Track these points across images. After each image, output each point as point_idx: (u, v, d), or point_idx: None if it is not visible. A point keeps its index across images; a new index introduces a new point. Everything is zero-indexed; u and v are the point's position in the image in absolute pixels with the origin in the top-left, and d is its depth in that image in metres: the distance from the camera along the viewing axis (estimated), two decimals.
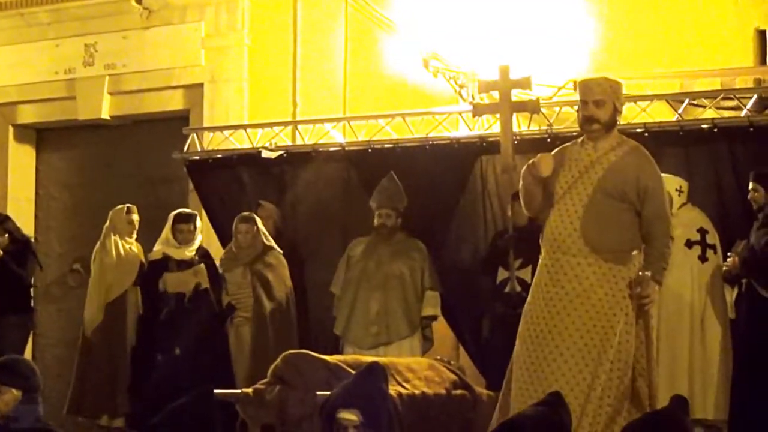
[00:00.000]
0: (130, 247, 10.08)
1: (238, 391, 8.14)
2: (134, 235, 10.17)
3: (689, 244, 8.11)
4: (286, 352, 8.08)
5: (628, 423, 5.36)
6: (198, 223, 9.92)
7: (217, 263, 9.81)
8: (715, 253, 8.15)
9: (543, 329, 6.43)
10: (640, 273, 6.35)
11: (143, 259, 10.08)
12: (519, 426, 4.24)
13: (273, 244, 9.59)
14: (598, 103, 6.48)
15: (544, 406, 4.40)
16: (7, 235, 10.35)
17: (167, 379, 9.26)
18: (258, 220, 9.58)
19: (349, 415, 5.05)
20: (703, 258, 8.10)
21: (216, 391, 8.07)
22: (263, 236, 9.55)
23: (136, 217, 10.16)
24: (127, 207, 10.16)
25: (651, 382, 6.40)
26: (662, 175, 8.09)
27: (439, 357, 8.72)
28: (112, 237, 10.01)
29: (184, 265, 9.73)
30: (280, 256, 9.59)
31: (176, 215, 9.89)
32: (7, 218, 10.67)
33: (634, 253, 6.46)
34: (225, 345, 9.55)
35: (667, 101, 8.97)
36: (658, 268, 6.41)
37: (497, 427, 4.54)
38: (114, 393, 9.84)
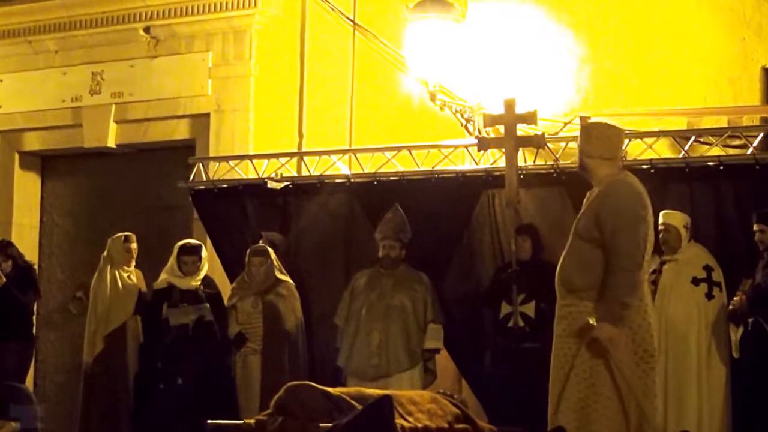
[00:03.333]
0: (128, 276, 10.06)
1: (240, 421, 8.14)
2: (132, 264, 10.15)
3: (695, 281, 8.14)
4: (289, 383, 8.08)
5: None
6: (203, 253, 9.89)
7: (222, 293, 9.80)
8: (721, 290, 8.17)
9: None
10: (588, 321, 6.39)
11: (143, 287, 10.07)
12: None
13: (286, 275, 9.56)
14: (587, 153, 6.66)
15: None
16: (10, 261, 10.35)
17: (169, 408, 9.25)
18: (271, 252, 9.53)
19: None
20: (709, 295, 8.12)
21: (219, 421, 8.15)
22: (276, 269, 9.53)
23: (134, 245, 10.13)
24: (125, 235, 10.14)
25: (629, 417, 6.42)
26: (670, 211, 8.25)
27: (442, 390, 8.68)
28: (109, 267, 10.00)
29: (189, 294, 9.71)
30: (292, 287, 9.55)
31: (181, 247, 9.86)
32: (11, 244, 10.65)
33: None
34: (228, 375, 9.51)
35: (673, 138, 8.99)
36: (612, 307, 6.37)
37: None
38: (119, 422, 9.81)
